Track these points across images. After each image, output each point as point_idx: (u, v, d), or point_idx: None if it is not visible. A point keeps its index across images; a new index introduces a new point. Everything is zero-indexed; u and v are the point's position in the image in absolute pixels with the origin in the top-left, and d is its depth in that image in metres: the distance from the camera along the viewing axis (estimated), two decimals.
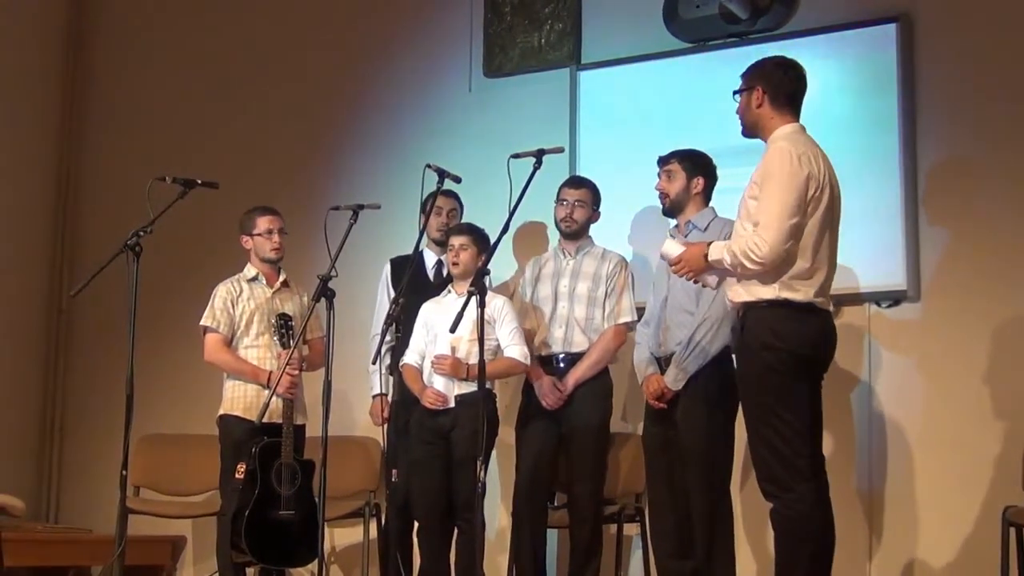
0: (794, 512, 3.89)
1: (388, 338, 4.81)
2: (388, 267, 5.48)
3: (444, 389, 4.90)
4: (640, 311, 5.06)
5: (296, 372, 5.02)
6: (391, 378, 4.91)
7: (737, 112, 4.21)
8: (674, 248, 4.18)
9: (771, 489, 3.94)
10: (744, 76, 4.20)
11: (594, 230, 5.22)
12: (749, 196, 4.03)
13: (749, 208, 4.00)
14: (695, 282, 4.24)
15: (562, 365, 5.04)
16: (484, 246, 4.96)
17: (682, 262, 4.11)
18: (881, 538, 5.07)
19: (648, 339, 4.83)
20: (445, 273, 5.25)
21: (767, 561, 4.84)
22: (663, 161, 4.89)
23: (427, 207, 5.12)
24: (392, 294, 5.31)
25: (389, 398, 5.09)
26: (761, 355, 3.93)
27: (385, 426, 4.97)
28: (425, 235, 5.20)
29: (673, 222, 4.89)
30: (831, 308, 4.11)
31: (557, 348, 5.06)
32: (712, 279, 4.18)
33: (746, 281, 4.01)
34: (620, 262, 5.14)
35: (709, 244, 4.08)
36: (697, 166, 4.84)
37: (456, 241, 5.00)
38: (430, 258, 5.40)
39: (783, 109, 4.09)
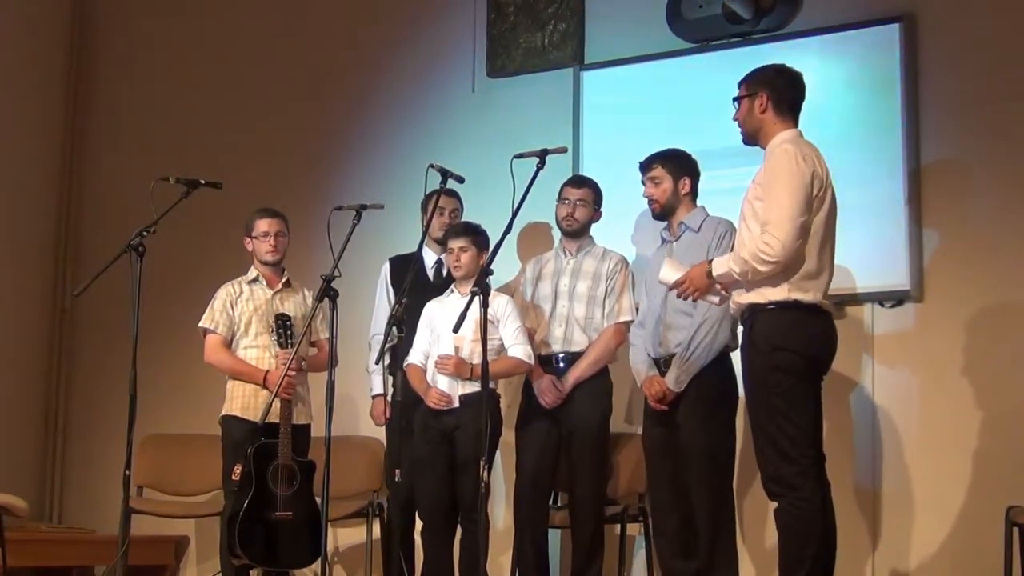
0: (799, 511, 3.90)
1: (391, 338, 4.80)
2: (387, 266, 5.47)
3: (448, 389, 4.90)
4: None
5: (294, 373, 5.02)
6: (392, 378, 4.91)
7: (736, 118, 4.23)
8: (671, 272, 4.20)
9: (776, 488, 3.95)
10: (744, 82, 4.22)
11: (597, 230, 5.22)
12: (753, 198, 4.04)
13: (755, 209, 4.01)
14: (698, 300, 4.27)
15: (562, 364, 5.03)
16: (484, 245, 4.96)
17: (686, 283, 4.15)
18: (882, 538, 5.07)
19: (644, 340, 4.81)
20: (445, 272, 5.25)
21: (768, 560, 4.84)
22: (645, 167, 4.85)
23: (428, 207, 5.12)
24: (391, 293, 5.32)
25: (389, 398, 5.08)
26: (771, 356, 3.95)
27: (387, 426, 4.97)
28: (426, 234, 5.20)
29: (664, 224, 4.89)
30: (833, 310, 4.12)
31: (557, 347, 5.05)
32: (715, 297, 4.19)
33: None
34: (620, 261, 5.13)
35: (710, 261, 4.11)
36: (681, 167, 4.82)
37: (455, 244, 4.98)
38: (430, 257, 5.40)
39: (785, 115, 4.14)
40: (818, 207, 3.98)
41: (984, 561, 4.76)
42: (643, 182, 4.86)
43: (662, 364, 4.71)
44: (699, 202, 4.87)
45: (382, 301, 5.39)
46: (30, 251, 7.02)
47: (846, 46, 5.32)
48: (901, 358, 5.14)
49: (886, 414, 5.13)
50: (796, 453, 3.92)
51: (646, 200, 4.87)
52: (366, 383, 5.51)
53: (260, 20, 6.89)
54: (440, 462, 4.88)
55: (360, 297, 5.55)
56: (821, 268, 4.00)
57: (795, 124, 4.15)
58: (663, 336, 4.72)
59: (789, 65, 4.25)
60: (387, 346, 4.80)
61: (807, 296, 3.96)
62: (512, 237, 5.08)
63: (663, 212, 4.83)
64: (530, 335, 5.04)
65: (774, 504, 4.01)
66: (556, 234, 5.47)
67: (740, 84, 4.23)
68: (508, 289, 5.44)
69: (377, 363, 4.97)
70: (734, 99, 4.22)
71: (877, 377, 5.15)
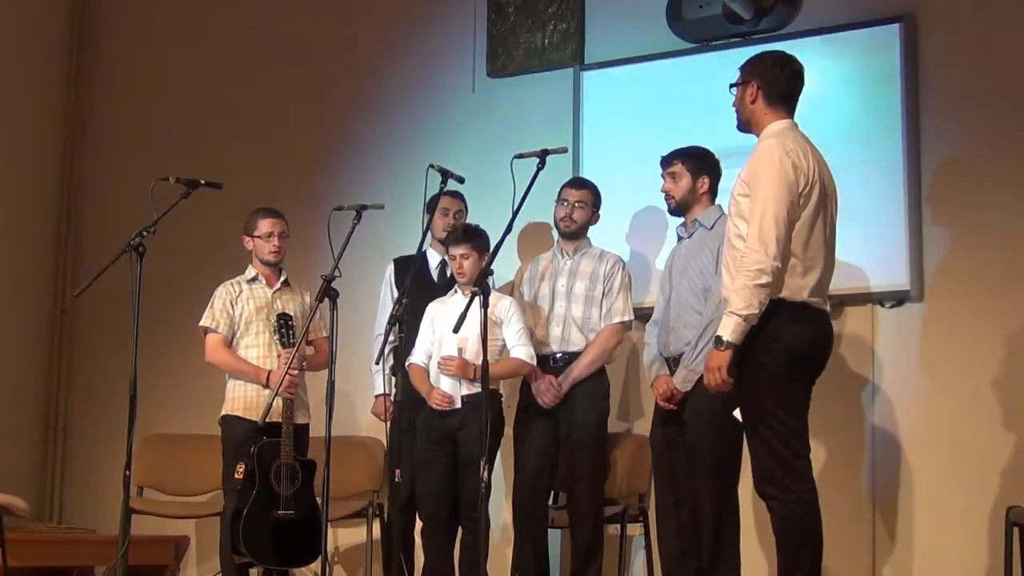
0: (794, 513, 3.85)
1: (391, 338, 4.81)
2: (392, 267, 5.48)
3: (450, 390, 4.89)
4: (645, 311, 5.06)
5: (296, 372, 5.02)
6: (394, 378, 4.91)
7: (733, 105, 4.17)
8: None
9: (770, 491, 3.89)
10: (741, 69, 4.14)
11: (596, 228, 5.22)
12: (739, 193, 3.96)
13: (740, 206, 3.95)
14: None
15: (559, 364, 5.03)
16: (485, 247, 4.95)
17: (708, 371, 3.91)
18: (885, 538, 5.06)
19: (657, 338, 4.82)
20: (449, 273, 5.25)
21: (771, 563, 4.84)
22: (666, 162, 4.85)
23: (432, 207, 5.11)
24: (396, 294, 5.31)
25: (392, 398, 5.08)
26: (757, 355, 3.87)
27: (388, 426, 4.97)
28: (430, 235, 5.19)
29: (679, 220, 4.89)
30: (828, 308, 4.02)
31: (554, 347, 5.05)
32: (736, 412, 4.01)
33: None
34: (618, 262, 5.13)
35: (714, 339, 3.89)
36: (702, 165, 4.81)
37: (456, 251, 4.97)
38: (434, 258, 5.40)
39: (777, 106, 4.04)
40: (804, 204, 3.88)
41: (984, 561, 4.76)
42: (662, 176, 4.85)
43: (672, 363, 4.71)
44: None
45: (386, 302, 5.39)
46: (30, 251, 7.01)
47: (846, 46, 5.32)
48: (901, 358, 5.13)
49: (886, 414, 5.13)
50: (788, 454, 3.86)
51: (663, 194, 4.85)
52: (366, 383, 5.52)
53: (260, 20, 6.89)
54: (442, 462, 4.89)
55: (360, 297, 5.56)
56: (809, 266, 3.89)
57: (789, 115, 4.04)
58: (668, 336, 4.71)
59: (789, 53, 4.16)
60: (389, 347, 4.81)
61: (790, 294, 3.86)
62: (512, 237, 5.07)
63: (678, 208, 4.83)
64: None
65: None
66: (556, 234, 5.48)
67: (739, 70, 4.18)
68: (507, 289, 5.44)
69: (378, 363, 4.97)
70: (731, 85, 4.17)
71: (879, 377, 5.15)
